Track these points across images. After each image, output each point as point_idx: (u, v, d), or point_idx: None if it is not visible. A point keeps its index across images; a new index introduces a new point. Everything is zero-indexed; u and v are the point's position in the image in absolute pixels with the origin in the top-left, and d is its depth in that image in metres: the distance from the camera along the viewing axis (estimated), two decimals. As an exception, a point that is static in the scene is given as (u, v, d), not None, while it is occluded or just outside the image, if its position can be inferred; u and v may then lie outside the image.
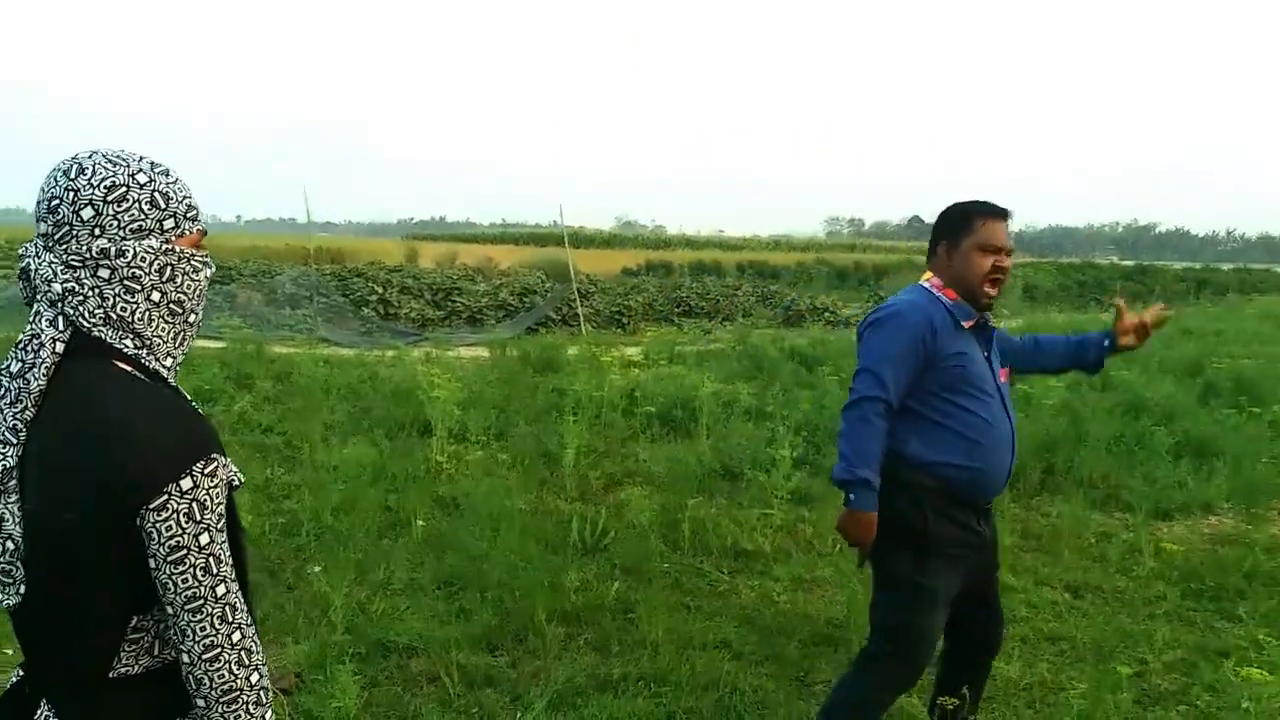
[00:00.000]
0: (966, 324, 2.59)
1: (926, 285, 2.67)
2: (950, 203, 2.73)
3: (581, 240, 54.14)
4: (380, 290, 16.98)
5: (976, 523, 2.64)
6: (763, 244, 68.84)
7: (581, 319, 15.88)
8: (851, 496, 2.48)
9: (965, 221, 2.62)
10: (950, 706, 2.80)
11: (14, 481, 1.22)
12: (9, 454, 1.21)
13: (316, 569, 4.32)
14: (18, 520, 1.22)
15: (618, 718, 3.28)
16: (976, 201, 2.67)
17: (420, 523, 5.00)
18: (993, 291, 2.60)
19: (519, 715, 3.29)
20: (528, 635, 3.87)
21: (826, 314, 19.35)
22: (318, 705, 3.19)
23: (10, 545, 1.23)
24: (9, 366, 1.24)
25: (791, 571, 4.66)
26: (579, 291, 16.67)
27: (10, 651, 3.60)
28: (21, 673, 1.36)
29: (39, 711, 1.30)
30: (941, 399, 2.56)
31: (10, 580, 1.24)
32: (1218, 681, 3.56)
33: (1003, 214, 2.64)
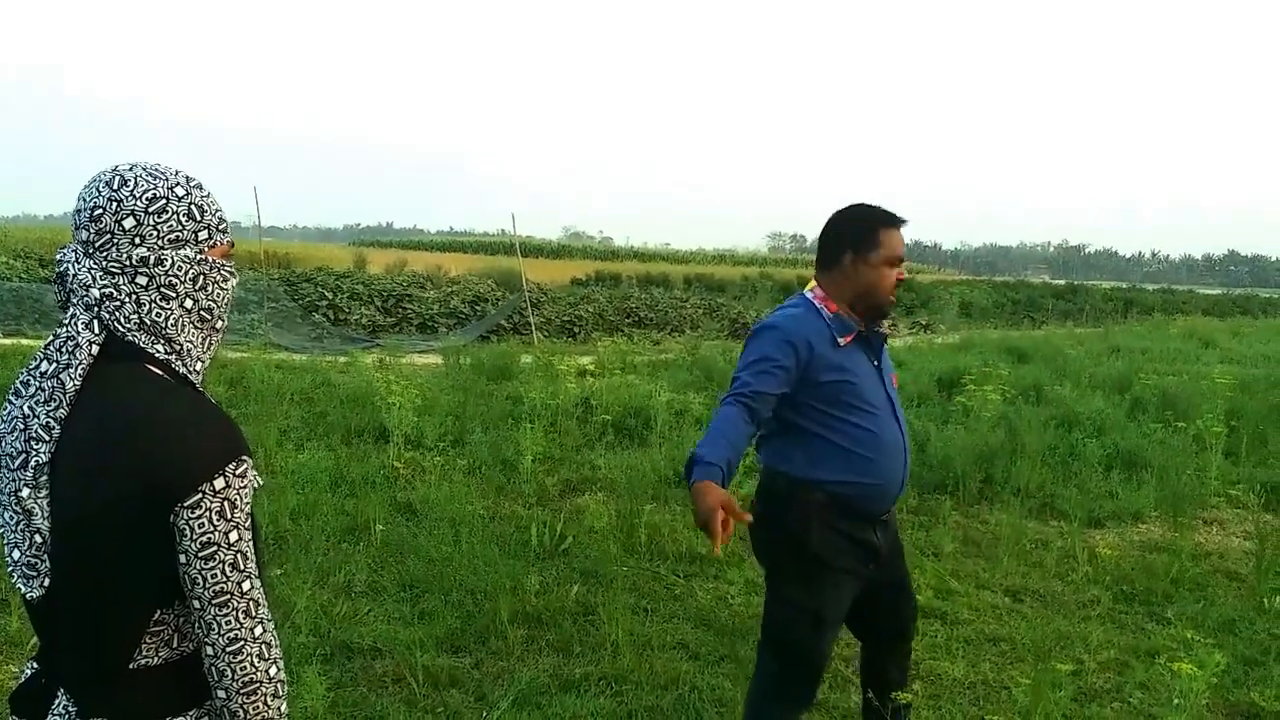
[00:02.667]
0: (844, 339, 2.53)
1: (810, 296, 2.62)
2: (842, 206, 2.65)
3: (530, 250, 54.03)
4: (330, 296, 16.82)
5: (872, 534, 2.60)
6: (709, 257, 69.43)
7: (533, 328, 15.92)
8: (691, 474, 2.30)
9: (872, 233, 2.55)
10: (904, 701, 2.92)
11: (45, 477, 1.25)
12: (42, 450, 1.25)
13: (278, 572, 4.34)
14: (46, 515, 1.26)
15: (580, 716, 3.37)
16: (875, 209, 2.61)
17: (380, 527, 5.03)
18: (892, 303, 2.62)
19: (484, 714, 3.36)
20: (490, 637, 3.94)
21: (772, 327, 19.63)
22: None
23: (39, 539, 1.26)
24: (39, 367, 1.28)
25: (744, 575, 4.79)
26: (530, 300, 16.70)
27: (-29, 652, 3.57)
28: (36, 664, 1.40)
29: (56, 702, 1.34)
30: (825, 414, 2.51)
31: (35, 574, 1.28)
32: (1149, 679, 3.76)
33: (898, 223, 2.59)
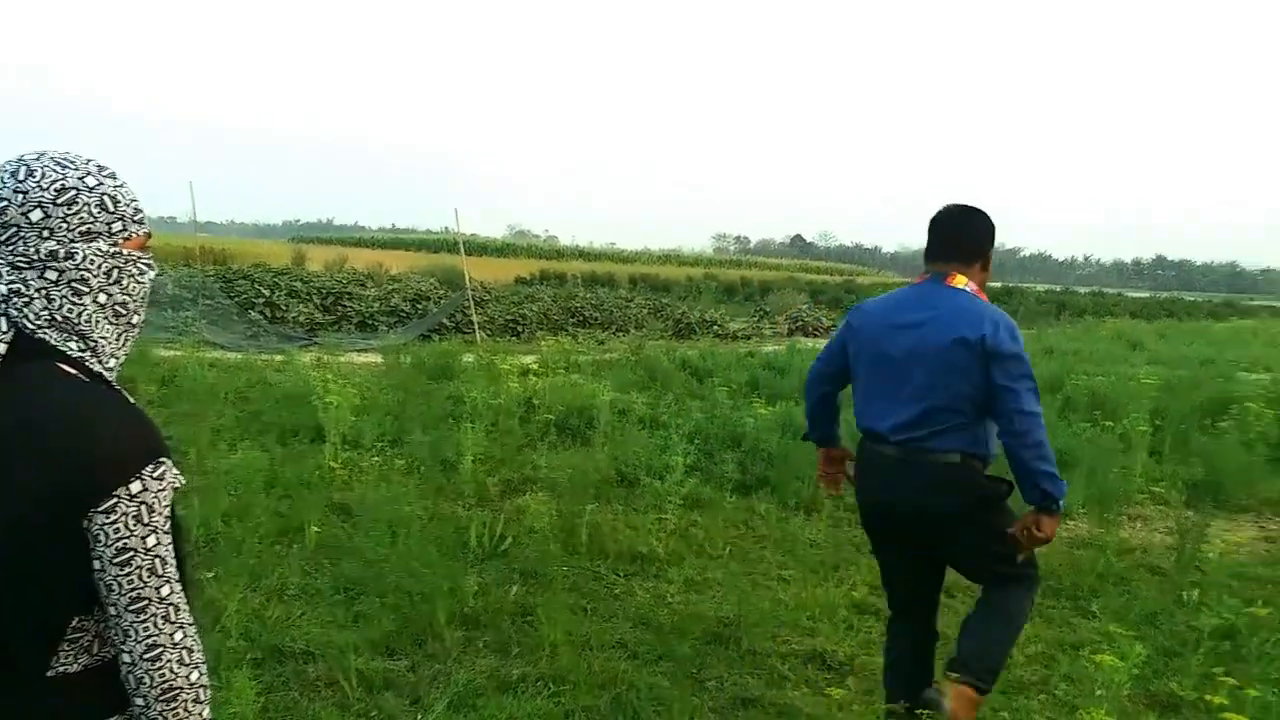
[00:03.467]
0: None
1: (970, 290, 2.89)
2: (981, 207, 3.01)
3: (474, 248, 53.57)
4: (267, 293, 16.49)
5: None
6: (654, 258, 69.65)
7: (476, 327, 15.79)
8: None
9: (993, 240, 3.00)
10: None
11: None
12: None
13: (209, 575, 4.24)
14: None
15: (517, 717, 3.35)
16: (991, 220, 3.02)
17: (315, 529, 4.94)
18: None
19: (419, 717, 3.33)
20: (427, 639, 3.90)
21: (715, 327, 19.82)
22: (214, 711, 3.15)
23: None
24: None
25: (684, 574, 4.82)
26: (473, 299, 16.58)
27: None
28: None
29: None
30: None
31: None
32: (1073, 672, 3.87)
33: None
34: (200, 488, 5.42)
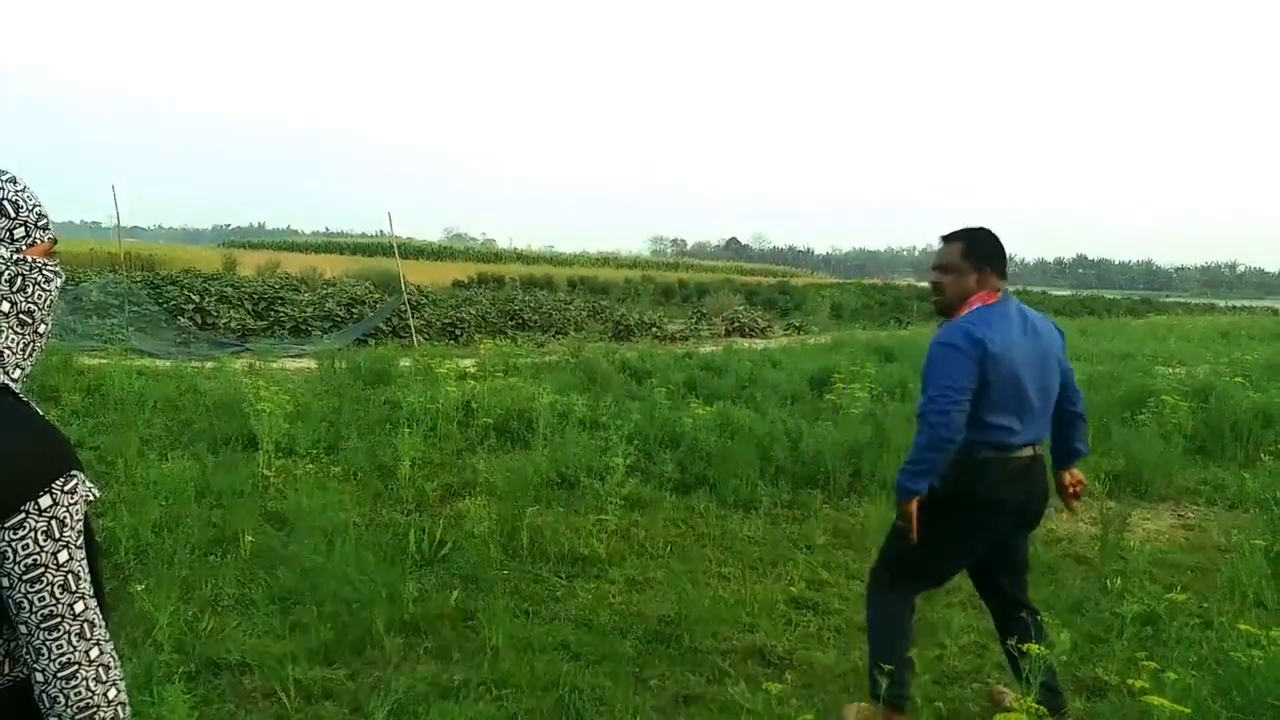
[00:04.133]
0: None
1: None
2: (982, 226, 3.31)
3: (410, 251, 53.01)
4: (197, 299, 16.10)
5: None
6: (592, 260, 69.63)
7: (413, 331, 15.62)
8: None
9: None
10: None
11: None
12: None
13: (139, 588, 4.13)
14: None
15: (459, 721, 3.34)
16: None
17: (249, 538, 4.85)
18: (933, 298, 3.30)
19: (360, 725, 3.30)
20: (366, 647, 3.86)
21: (654, 329, 19.92)
22: (147, 726, 3.09)
23: None
24: None
25: (625, 573, 4.84)
26: (410, 303, 16.39)
27: None
28: None
29: None
30: None
31: None
32: (1005, 660, 3.98)
33: (943, 237, 3.31)
34: (129, 498, 5.30)
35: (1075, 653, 3.97)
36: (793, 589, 4.73)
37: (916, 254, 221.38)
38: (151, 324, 14.44)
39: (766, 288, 38.68)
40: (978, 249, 3.20)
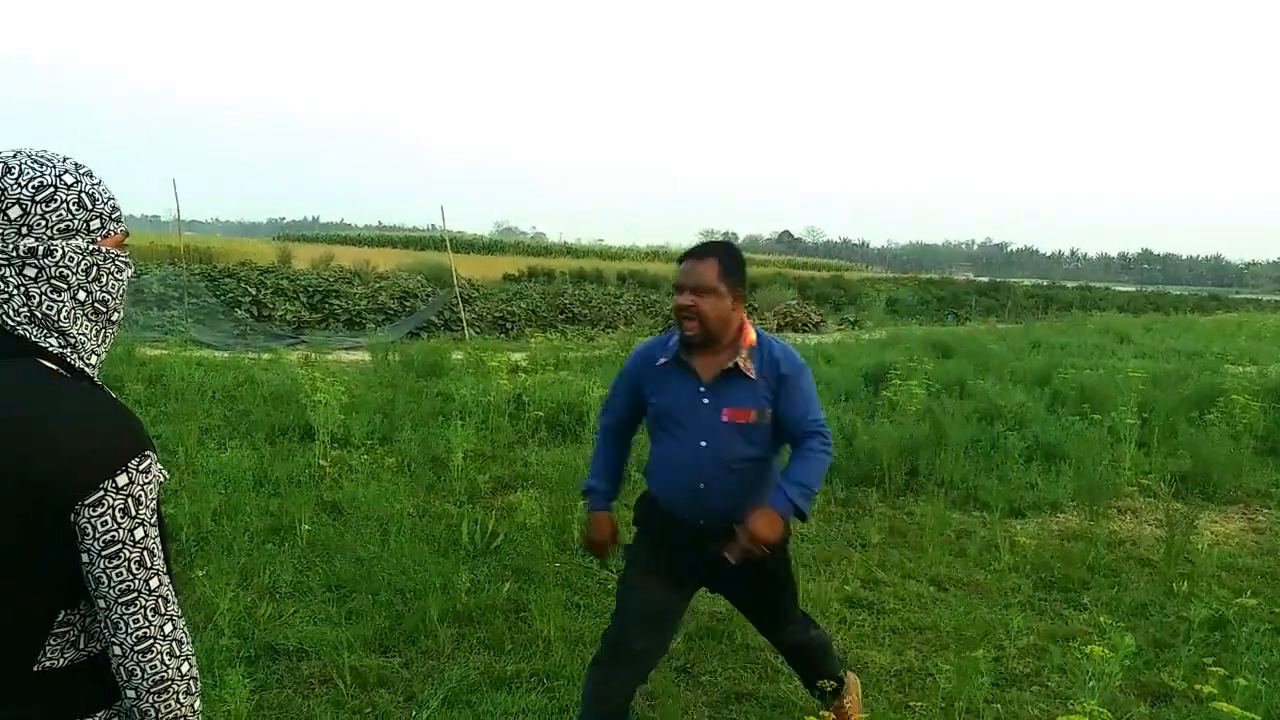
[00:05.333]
0: (662, 360, 2.82)
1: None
2: (726, 240, 3.07)
3: (461, 245, 53.53)
4: (254, 291, 16.43)
5: (697, 538, 2.76)
6: (642, 254, 69.62)
7: (465, 324, 15.76)
8: (587, 502, 3.04)
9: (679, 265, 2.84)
10: (828, 689, 3.01)
11: None
12: None
13: (200, 574, 4.22)
14: None
15: (511, 713, 3.36)
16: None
17: (306, 527, 4.93)
18: (682, 327, 2.73)
19: (414, 714, 3.32)
20: (420, 636, 3.89)
21: (705, 323, 19.79)
22: (208, 710, 3.14)
23: None
24: None
25: (678, 570, 4.81)
26: (461, 296, 16.54)
27: None
28: None
29: None
30: (650, 429, 2.91)
31: None
32: (1066, 663, 3.89)
33: (690, 255, 2.79)
34: (190, 486, 5.41)
35: (1139, 657, 3.86)
36: (847, 588, 4.67)
37: (975, 248, 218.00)
38: (210, 316, 14.76)
39: (820, 282, 38.35)
40: (735, 268, 2.78)
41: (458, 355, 10.97)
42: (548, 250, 66.20)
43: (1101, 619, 4.00)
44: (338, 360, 11.00)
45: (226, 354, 11.09)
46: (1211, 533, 5.84)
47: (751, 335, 2.82)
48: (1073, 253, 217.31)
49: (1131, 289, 58.58)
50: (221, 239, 42.15)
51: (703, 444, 2.74)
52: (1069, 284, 53.48)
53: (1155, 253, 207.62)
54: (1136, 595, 4.70)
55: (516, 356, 11.16)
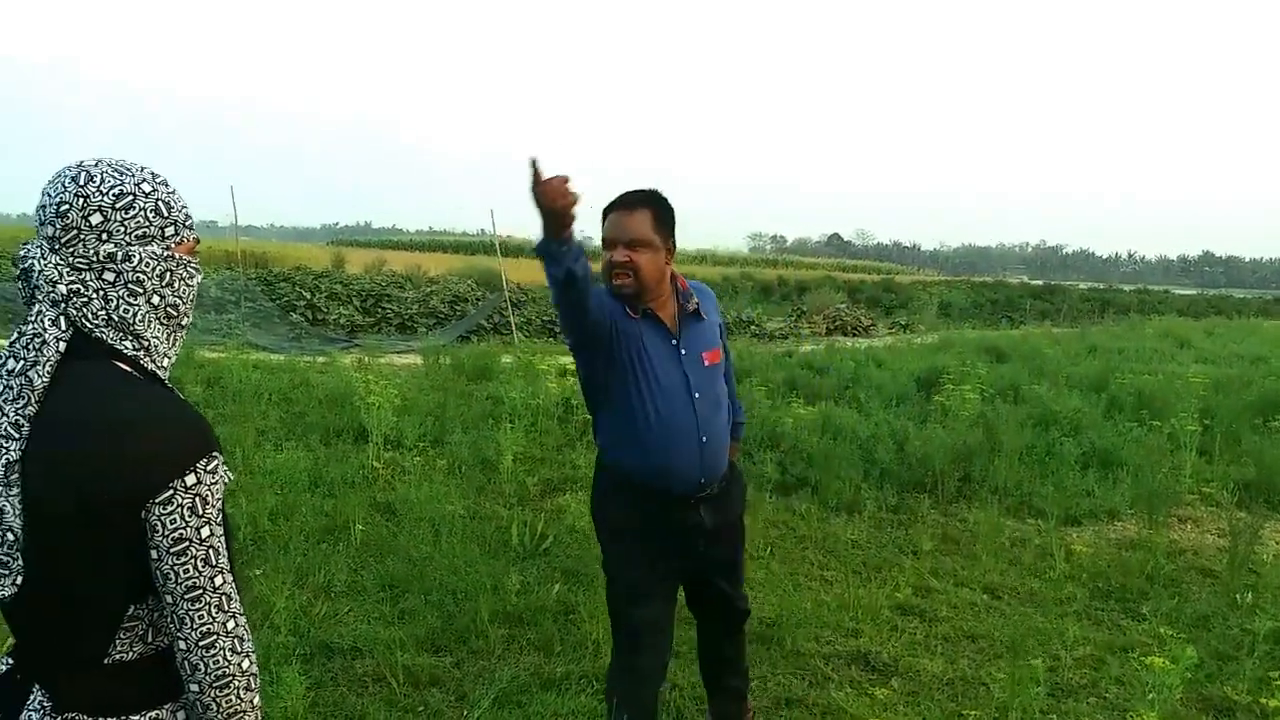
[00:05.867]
0: (632, 314, 2.60)
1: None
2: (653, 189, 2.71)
3: (510, 249, 53.77)
4: (308, 296, 16.74)
5: (687, 512, 2.65)
6: (689, 257, 69.41)
7: (514, 328, 15.89)
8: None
9: (602, 218, 2.63)
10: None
11: (16, 475, 1.24)
12: (12, 449, 1.24)
13: (256, 572, 4.31)
14: (18, 513, 1.25)
15: (561, 714, 3.37)
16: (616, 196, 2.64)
17: (359, 527, 5.01)
18: (616, 284, 2.56)
19: (465, 713, 3.36)
20: (471, 636, 3.93)
21: (752, 326, 19.75)
22: (265, 706, 3.21)
23: (10, 537, 1.26)
24: (5, 365, 1.27)
25: (726, 574, 4.80)
26: (511, 300, 16.67)
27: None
28: (11, 660, 1.39)
29: (32, 697, 1.34)
30: (620, 392, 2.59)
31: (8, 572, 1.27)
32: (1124, 675, 3.81)
33: (618, 205, 2.60)
34: (247, 487, 5.53)
35: (1201, 670, 3.77)
36: (898, 595, 4.62)
37: (1029, 250, 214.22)
38: (266, 319, 15.06)
39: (870, 285, 37.94)
40: (668, 217, 2.63)
41: (507, 359, 11.07)
42: (596, 254, 66.31)
43: (1161, 630, 3.92)
44: (390, 363, 11.16)
45: (282, 357, 11.31)
46: (1277, 543, 5.68)
47: (680, 278, 2.74)
48: (1130, 255, 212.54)
49: (1192, 292, 57.14)
50: (277, 244, 42.94)
51: (696, 395, 2.61)
52: (1126, 287, 52.23)
53: (1217, 255, 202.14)
54: (1198, 606, 4.59)
55: (565, 360, 11.21)
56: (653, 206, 2.59)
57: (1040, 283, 51.11)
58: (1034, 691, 3.43)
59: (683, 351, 2.64)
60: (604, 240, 2.60)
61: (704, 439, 2.61)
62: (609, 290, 2.61)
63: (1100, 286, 50.56)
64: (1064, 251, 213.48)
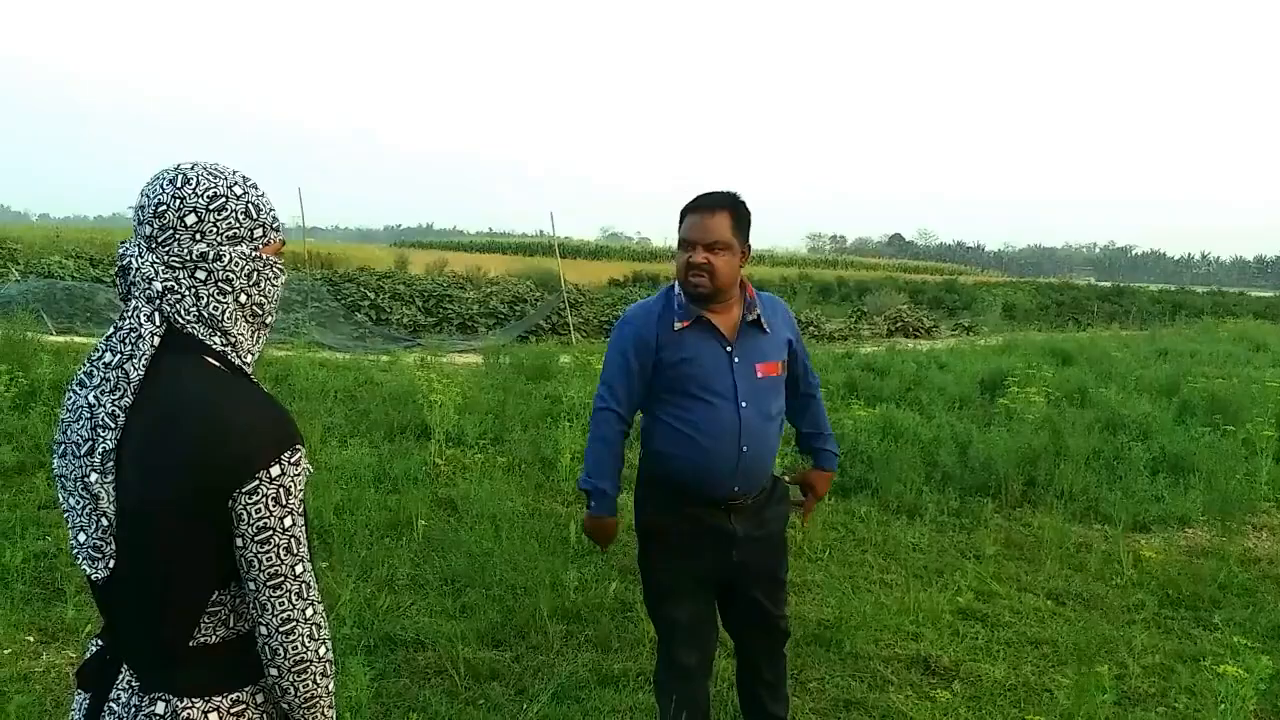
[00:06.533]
0: (680, 325, 2.60)
1: (673, 283, 2.72)
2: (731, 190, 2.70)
3: (568, 250, 54.14)
4: (372, 296, 17.06)
5: (718, 517, 2.64)
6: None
7: (572, 328, 16.00)
8: (591, 504, 2.69)
9: (681, 219, 2.64)
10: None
11: (111, 463, 1.31)
12: (108, 438, 1.30)
13: (323, 565, 4.42)
14: (112, 499, 1.31)
15: (619, 710, 3.41)
16: (695, 196, 2.65)
17: (422, 523, 5.10)
18: (692, 286, 2.57)
19: (524, 707, 3.40)
20: (530, 631, 3.99)
21: (811, 328, 19.58)
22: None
23: (104, 522, 1.32)
24: (102, 358, 1.34)
25: (784, 575, 4.79)
26: (569, 301, 16.79)
27: (31, 639, 3.69)
28: (100, 642, 1.46)
29: (120, 678, 1.40)
30: (661, 399, 2.63)
31: (100, 555, 1.33)
32: (1195, 685, 3.71)
33: (699, 207, 2.60)
34: (313, 482, 5.65)
35: (1277, 681, 3.65)
36: (960, 599, 4.56)
37: (1096, 251, 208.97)
38: (331, 319, 15.38)
39: (932, 286, 37.33)
40: (746, 220, 2.63)
41: (565, 358, 11.15)
42: (653, 255, 66.39)
43: (1234, 639, 3.80)
44: (451, 363, 11.32)
45: (347, 356, 11.55)
46: (1359, 553, 5.47)
47: (749, 286, 2.74)
48: (1203, 256, 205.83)
49: (1269, 294, 55.12)
50: (342, 245, 43.83)
51: (744, 404, 2.59)
52: (1199, 289, 50.67)
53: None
54: (1273, 616, 4.45)
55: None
56: (732, 209, 2.61)
57: (1109, 284, 49.78)
58: (1100, 699, 3.36)
59: (736, 359, 2.63)
60: (682, 240, 2.62)
61: (744, 449, 2.59)
62: (670, 294, 2.68)
63: (1172, 288, 49.05)
64: (1134, 253, 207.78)
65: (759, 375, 2.65)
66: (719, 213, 2.58)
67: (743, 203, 2.65)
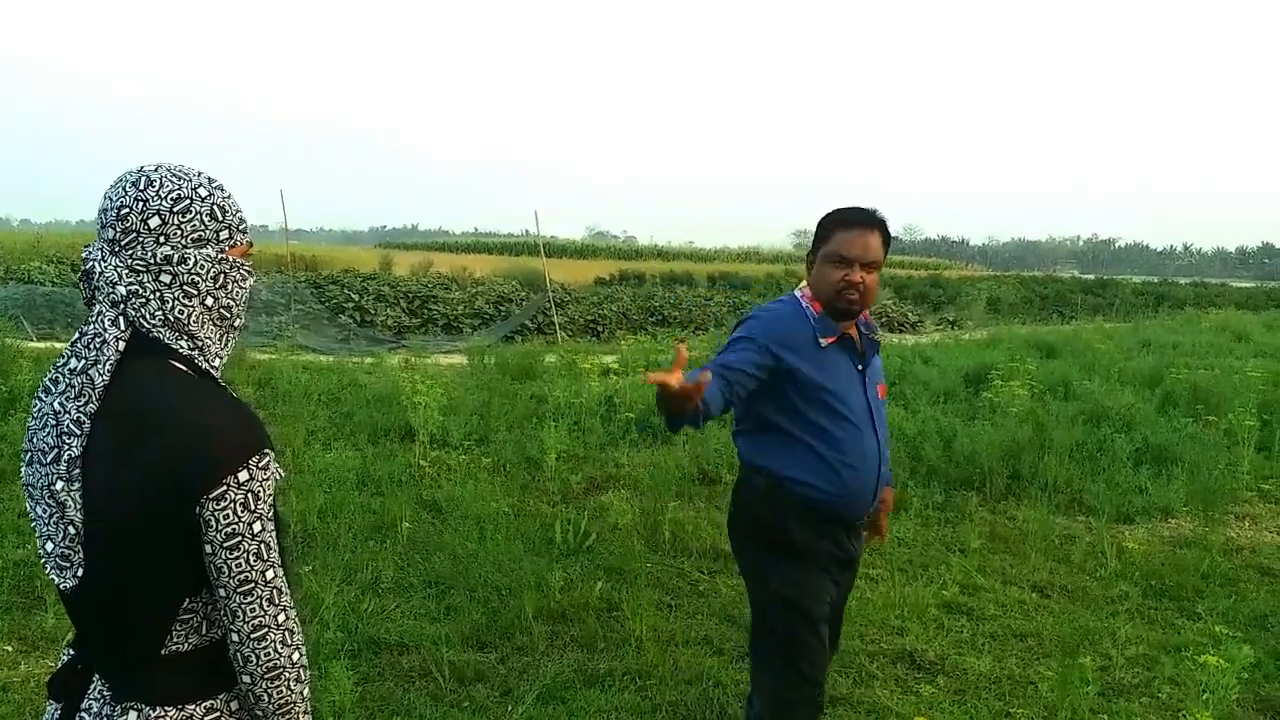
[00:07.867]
0: (825, 340, 2.50)
1: (797, 294, 2.60)
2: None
3: (554, 250, 54.10)
4: (356, 298, 17.02)
5: (846, 540, 2.58)
6: (733, 255, 69.20)
7: (557, 328, 15.99)
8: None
9: (823, 231, 2.54)
10: None
11: (78, 470, 1.29)
12: (74, 445, 1.29)
13: (306, 569, 4.40)
14: (79, 507, 1.29)
15: (605, 710, 3.40)
16: (840, 209, 2.56)
17: (406, 525, 5.08)
18: (846, 304, 2.49)
19: (509, 709, 3.39)
20: (515, 633, 3.97)
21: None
22: (314, 700, 3.27)
23: (71, 530, 1.30)
24: (67, 364, 1.32)
25: (770, 572, 4.79)
26: (554, 301, 16.77)
27: (10, 649, 3.66)
28: (72, 651, 1.44)
29: (92, 687, 1.38)
30: (802, 416, 2.48)
31: (69, 564, 1.32)
32: (1178, 675, 3.73)
33: (857, 223, 2.51)
34: (296, 485, 5.63)
35: (1259, 670, 3.68)
36: (945, 593, 4.57)
37: (1080, 244, 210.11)
38: (315, 321, 15.33)
39: (917, 281, 37.44)
40: (889, 238, 2.58)
41: (551, 358, 11.13)
42: (638, 253, 66.42)
43: (1217, 629, 3.83)
44: (436, 364, 11.29)
45: (331, 358, 11.49)
46: (1340, 541, 5.52)
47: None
48: (1186, 248, 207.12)
49: (1250, 285, 55.56)
50: (326, 247, 43.69)
51: (877, 428, 2.55)
52: (1182, 280, 50.97)
53: (1278, 246, 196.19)
54: (1256, 605, 4.48)
55: (608, 359, 11.23)
56: (882, 227, 2.54)
57: (1092, 277, 50.05)
58: (1084, 690, 3.38)
59: (866, 380, 2.58)
60: (836, 256, 2.49)
61: (879, 473, 2.56)
62: (800, 306, 2.55)
63: (1154, 280, 49.37)
64: (1117, 245, 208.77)
65: (880, 395, 2.63)
66: (874, 231, 2.51)
67: (886, 221, 2.58)
